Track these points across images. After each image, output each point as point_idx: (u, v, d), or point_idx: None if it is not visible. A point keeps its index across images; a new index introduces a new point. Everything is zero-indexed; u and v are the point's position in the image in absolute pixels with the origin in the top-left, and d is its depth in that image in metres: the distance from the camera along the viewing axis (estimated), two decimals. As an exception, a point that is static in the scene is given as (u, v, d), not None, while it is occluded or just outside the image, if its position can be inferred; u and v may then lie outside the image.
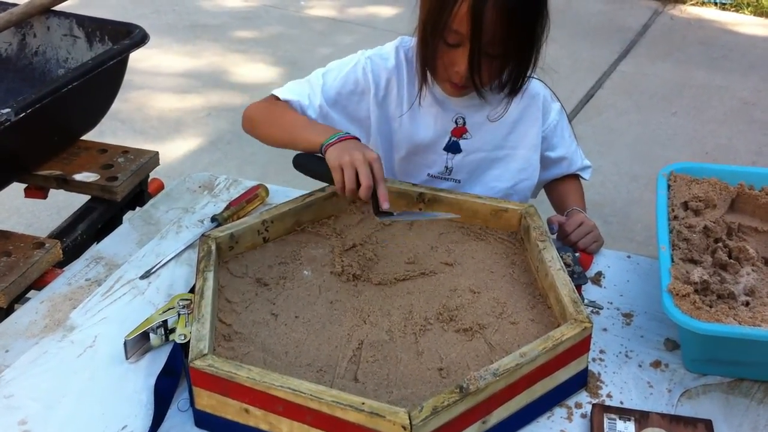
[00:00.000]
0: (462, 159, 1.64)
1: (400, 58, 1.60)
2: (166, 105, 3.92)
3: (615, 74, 4.35)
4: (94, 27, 2.06)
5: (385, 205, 1.34)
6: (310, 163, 1.44)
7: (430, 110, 1.60)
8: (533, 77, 1.60)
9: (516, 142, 1.65)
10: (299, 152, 1.47)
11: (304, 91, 1.57)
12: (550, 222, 1.58)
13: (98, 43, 2.05)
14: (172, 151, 3.46)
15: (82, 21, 2.08)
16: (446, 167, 1.64)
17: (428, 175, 1.65)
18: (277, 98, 1.58)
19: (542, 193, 1.81)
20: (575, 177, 1.79)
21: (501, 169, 1.66)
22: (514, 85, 1.53)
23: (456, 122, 1.61)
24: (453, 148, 1.63)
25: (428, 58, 1.49)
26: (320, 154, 1.41)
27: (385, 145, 1.64)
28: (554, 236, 1.56)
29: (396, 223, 1.50)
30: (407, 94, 1.59)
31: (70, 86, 1.73)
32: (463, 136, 1.62)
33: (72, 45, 2.10)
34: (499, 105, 1.59)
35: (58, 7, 2.11)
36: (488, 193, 1.56)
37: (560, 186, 1.77)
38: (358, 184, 1.34)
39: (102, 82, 1.90)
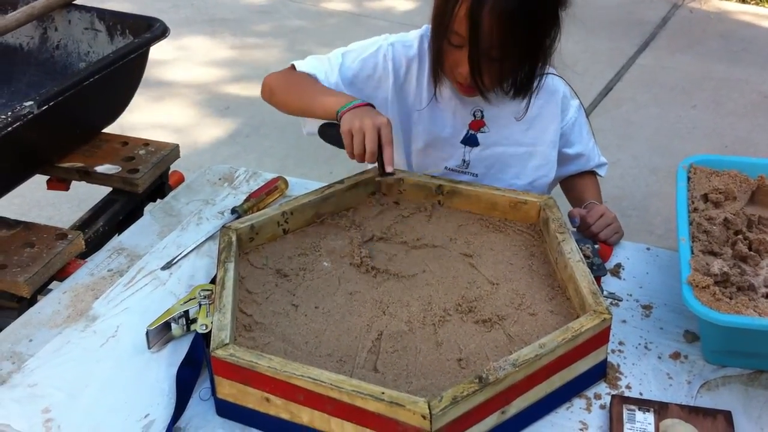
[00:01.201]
0: (479, 153, 1.64)
1: (424, 47, 1.59)
2: (185, 98, 3.94)
3: (634, 67, 4.32)
4: (114, 21, 2.08)
5: (388, 169, 1.39)
6: (331, 130, 1.46)
7: (449, 103, 1.60)
8: (552, 73, 1.59)
9: (535, 138, 1.65)
10: (324, 122, 1.49)
11: (322, 68, 1.58)
12: (571, 215, 1.58)
13: (119, 36, 2.07)
14: (191, 144, 3.48)
15: (103, 15, 2.10)
16: (463, 160, 1.64)
17: (446, 168, 1.65)
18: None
19: (557, 189, 1.80)
20: (592, 173, 1.78)
21: (519, 166, 1.65)
22: (522, 88, 1.52)
23: (474, 115, 1.61)
24: (470, 141, 1.63)
25: (437, 58, 1.49)
26: (336, 121, 1.43)
27: (404, 138, 1.64)
28: (575, 229, 1.56)
29: (415, 215, 1.50)
30: (426, 85, 1.59)
31: (91, 79, 1.75)
32: (481, 129, 1.62)
33: (93, 38, 2.12)
34: (512, 102, 1.58)
35: (79, 1, 2.13)
36: None
37: (577, 182, 1.77)
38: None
39: (123, 75, 1.92)
